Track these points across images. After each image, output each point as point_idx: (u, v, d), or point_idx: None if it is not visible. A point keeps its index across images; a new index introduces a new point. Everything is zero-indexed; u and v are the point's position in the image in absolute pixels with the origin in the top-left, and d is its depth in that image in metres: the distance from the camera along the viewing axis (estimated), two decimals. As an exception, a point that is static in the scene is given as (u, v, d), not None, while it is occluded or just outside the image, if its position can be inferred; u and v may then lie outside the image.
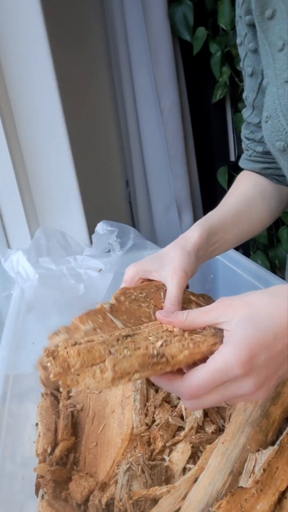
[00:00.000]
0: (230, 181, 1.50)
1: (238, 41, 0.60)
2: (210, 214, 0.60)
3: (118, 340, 0.35)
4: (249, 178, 0.67)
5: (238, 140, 1.53)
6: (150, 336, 0.37)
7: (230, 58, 1.35)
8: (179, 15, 1.30)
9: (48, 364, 0.34)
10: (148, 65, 1.30)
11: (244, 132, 0.67)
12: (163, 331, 0.38)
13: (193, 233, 0.54)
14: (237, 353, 0.34)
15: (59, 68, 0.99)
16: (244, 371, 0.34)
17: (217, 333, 0.38)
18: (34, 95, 0.99)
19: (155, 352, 0.35)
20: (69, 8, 1.41)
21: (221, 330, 0.38)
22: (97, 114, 1.57)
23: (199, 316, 0.39)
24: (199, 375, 0.35)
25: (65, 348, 0.34)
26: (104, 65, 1.54)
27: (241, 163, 0.71)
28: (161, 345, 0.36)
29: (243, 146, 0.69)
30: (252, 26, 0.54)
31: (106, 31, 1.47)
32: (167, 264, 0.50)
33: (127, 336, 0.36)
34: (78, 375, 0.33)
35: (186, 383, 0.35)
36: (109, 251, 0.93)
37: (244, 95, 0.64)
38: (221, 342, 0.37)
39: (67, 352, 0.34)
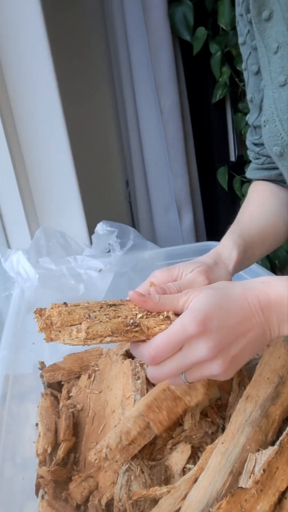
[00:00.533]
0: (230, 181, 1.50)
1: (241, 40, 0.58)
2: (241, 227, 0.58)
3: (101, 307, 0.41)
4: (266, 188, 0.64)
5: (238, 140, 1.53)
6: (134, 309, 0.41)
7: (230, 58, 1.35)
8: (179, 15, 1.30)
9: (35, 320, 0.40)
10: (148, 65, 1.30)
11: (251, 138, 0.64)
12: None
13: (231, 253, 0.53)
14: (192, 314, 0.38)
15: (59, 68, 0.99)
16: (197, 330, 0.37)
17: None
18: (34, 95, 0.99)
19: (131, 322, 0.40)
20: (69, 8, 1.41)
21: None
22: (97, 114, 1.57)
23: (170, 301, 0.42)
24: (159, 337, 0.39)
25: (52, 308, 0.41)
26: (104, 65, 1.54)
27: (251, 175, 0.67)
28: (141, 317, 0.40)
29: (251, 155, 0.66)
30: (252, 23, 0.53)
31: (106, 31, 1.47)
32: (200, 266, 0.49)
33: (112, 305, 0.41)
34: (60, 332, 0.41)
35: (148, 345, 0.39)
36: (109, 251, 0.93)
37: (248, 97, 0.61)
38: None
39: (52, 312, 0.40)
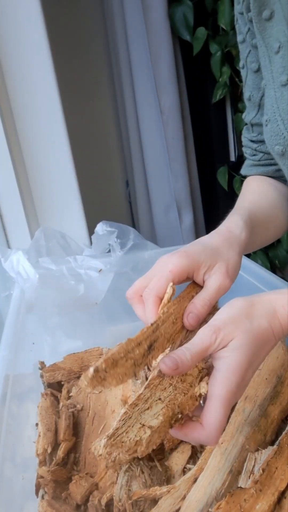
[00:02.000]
0: (230, 181, 1.50)
1: (240, 38, 0.58)
2: (247, 209, 0.56)
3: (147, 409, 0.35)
4: (265, 180, 0.64)
5: (238, 140, 1.53)
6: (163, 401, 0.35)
7: (230, 58, 1.35)
8: (179, 15, 1.30)
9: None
10: (148, 65, 1.30)
11: (248, 136, 0.64)
12: (165, 388, 0.37)
13: (241, 232, 0.50)
14: (232, 378, 0.36)
15: (59, 68, 0.99)
16: (238, 390, 0.36)
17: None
18: (34, 95, 0.99)
19: (179, 416, 0.35)
20: (69, 8, 1.41)
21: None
22: (97, 114, 1.57)
23: (200, 354, 0.37)
24: (214, 417, 0.35)
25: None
26: (104, 65, 1.54)
27: (246, 171, 0.66)
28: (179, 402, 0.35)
29: (248, 152, 0.65)
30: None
31: (106, 31, 1.47)
32: (220, 264, 0.45)
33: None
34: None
35: (208, 432, 0.35)
36: (109, 251, 0.93)
37: (246, 95, 0.61)
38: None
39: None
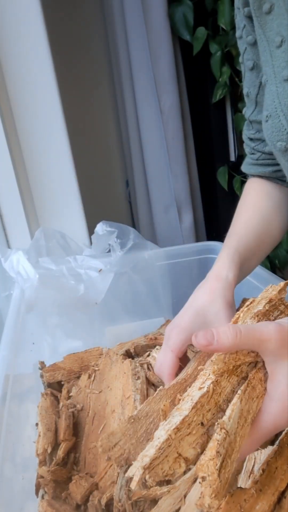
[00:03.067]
0: (230, 181, 1.50)
1: (238, 34, 0.57)
2: (236, 242, 0.57)
3: None
4: (261, 188, 0.64)
5: (238, 140, 1.53)
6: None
7: (230, 58, 1.35)
8: (179, 15, 1.30)
9: None
10: (148, 65, 1.30)
11: (248, 133, 0.63)
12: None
13: (229, 273, 0.51)
14: (285, 412, 0.33)
15: (59, 68, 0.99)
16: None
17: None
18: (34, 95, 0.99)
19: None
20: (69, 8, 1.41)
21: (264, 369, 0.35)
22: (97, 114, 1.57)
23: (252, 341, 0.33)
24: (251, 446, 0.33)
25: None
26: (104, 65, 1.54)
27: (246, 169, 0.66)
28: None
29: (247, 150, 0.65)
30: (250, 18, 0.52)
31: (106, 31, 1.47)
32: (214, 323, 0.47)
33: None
34: None
35: (252, 447, 0.34)
36: (109, 251, 0.93)
37: (244, 91, 0.60)
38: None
39: None
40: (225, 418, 0.30)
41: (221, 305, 0.49)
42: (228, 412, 0.30)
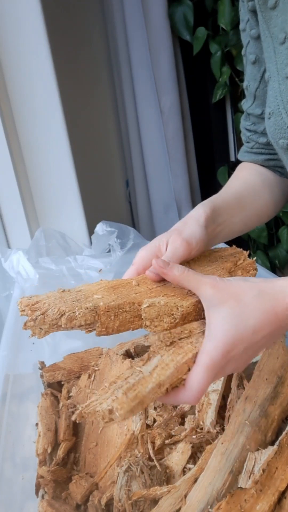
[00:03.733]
0: (230, 181, 1.50)
1: (241, 26, 0.57)
2: (213, 197, 0.58)
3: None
4: (252, 167, 0.65)
5: (238, 140, 1.53)
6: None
7: (230, 58, 1.35)
8: (179, 15, 1.30)
9: None
10: (148, 65, 1.30)
11: (244, 123, 0.64)
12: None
13: (198, 210, 0.53)
14: (218, 349, 0.37)
15: (59, 68, 0.99)
16: (225, 361, 0.37)
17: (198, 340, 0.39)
18: (34, 95, 0.99)
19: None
20: (70, 8, 1.41)
21: (201, 327, 0.40)
22: (97, 114, 1.57)
23: (192, 280, 0.40)
24: (196, 379, 0.37)
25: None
26: (104, 65, 1.54)
27: (241, 156, 0.68)
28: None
29: (244, 138, 0.66)
30: (254, 12, 0.52)
31: (106, 31, 1.47)
32: (174, 234, 0.49)
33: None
34: None
35: (190, 390, 0.37)
36: (109, 251, 0.93)
37: (244, 84, 0.60)
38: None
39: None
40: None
41: (188, 223, 0.50)
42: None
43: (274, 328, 0.38)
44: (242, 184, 0.62)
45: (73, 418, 0.34)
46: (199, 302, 0.41)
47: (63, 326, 0.37)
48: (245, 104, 0.62)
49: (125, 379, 0.35)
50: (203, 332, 0.39)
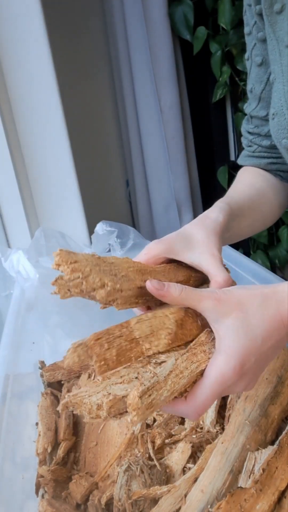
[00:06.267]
0: (230, 181, 1.50)
1: (246, 30, 0.58)
2: (228, 197, 0.57)
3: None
4: (256, 171, 0.65)
5: (238, 140, 1.53)
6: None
7: (230, 58, 1.35)
8: (179, 15, 1.30)
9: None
10: (148, 64, 1.30)
11: (247, 127, 0.64)
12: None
13: (218, 215, 0.51)
14: (230, 362, 0.35)
15: (59, 67, 0.99)
16: (237, 377, 0.35)
17: (209, 349, 0.37)
18: (35, 95, 0.99)
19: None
20: (70, 8, 1.41)
21: (211, 336, 0.38)
22: (97, 114, 1.57)
23: (193, 297, 0.38)
24: (201, 393, 0.35)
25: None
26: (105, 64, 1.54)
27: (242, 161, 0.67)
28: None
29: (245, 142, 0.66)
30: (261, 16, 0.53)
31: (107, 31, 1.47)
32: (198, 247, 0.46)
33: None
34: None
35: (192, 404, 0.35)
36: (108, 251, 0.93)
37: (249, 87, 0.61)
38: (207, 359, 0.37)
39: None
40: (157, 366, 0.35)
41: (210, 233, 0.48)
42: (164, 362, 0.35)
43: (281, 334, 0.37)
44: (251, 189, 0.61)
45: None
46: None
47: (97, 297, 0.35)
48: (248, 107, 0.63)
49: (136, 377, 0.33)
50: (214, 342, 0.37)
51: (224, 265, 0.46)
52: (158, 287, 0.38)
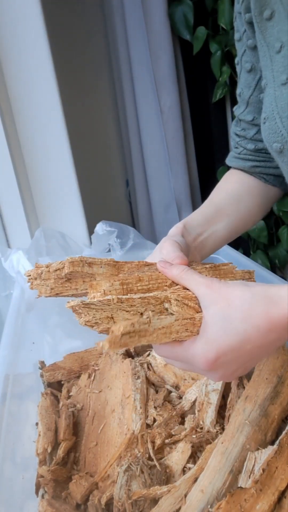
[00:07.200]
0: (230, 181, 1.50)
1: (236, 36, 0.59)
2: (188, 216, 0.62)
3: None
4: (236, 177, 0.68)
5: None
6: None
7: (230, 58, 1.35)
8: (179, 15, 1.30)
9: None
10: (148, 64, 1.30)
11: (235, 129, 0.67)
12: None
13: (171, 229, 0.56)
14: (205, 351, 0.37)
15: (59, 68, 0.99)
16: (208, 368, 0.37)
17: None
18: (34, 95, 0.99)
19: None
20: (70, 8, 1.41)
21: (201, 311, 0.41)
22: (97, 114, 1.57)
23: (190, 279, 0.41)
24: (174, 357, 0.40)
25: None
26: (104, 64, 1.54)
27: (229, 161, 0.70)
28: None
29: (232, 143, 0.69)
30: (251, 24, 0.54)
31: (106, 31, 1.47)
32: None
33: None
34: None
35: (159, 353, 0.41)
36: (109, 251, 0.93)
37: (238, 91, 0.63)
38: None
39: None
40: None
41: (167, 241, 0.51)
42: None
43: (269, 337, 0.36)
44: (222, 195, 0.65)
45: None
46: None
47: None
48: (237, 110, 0.65)
49: (141, 313, 0.36)
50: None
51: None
52: (164, 266, 0.44)
